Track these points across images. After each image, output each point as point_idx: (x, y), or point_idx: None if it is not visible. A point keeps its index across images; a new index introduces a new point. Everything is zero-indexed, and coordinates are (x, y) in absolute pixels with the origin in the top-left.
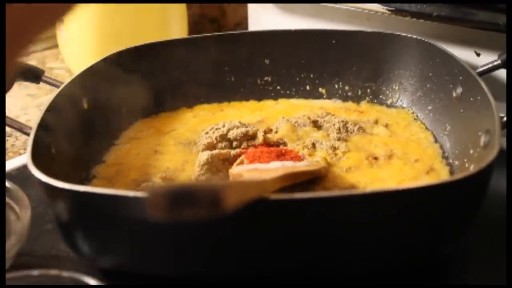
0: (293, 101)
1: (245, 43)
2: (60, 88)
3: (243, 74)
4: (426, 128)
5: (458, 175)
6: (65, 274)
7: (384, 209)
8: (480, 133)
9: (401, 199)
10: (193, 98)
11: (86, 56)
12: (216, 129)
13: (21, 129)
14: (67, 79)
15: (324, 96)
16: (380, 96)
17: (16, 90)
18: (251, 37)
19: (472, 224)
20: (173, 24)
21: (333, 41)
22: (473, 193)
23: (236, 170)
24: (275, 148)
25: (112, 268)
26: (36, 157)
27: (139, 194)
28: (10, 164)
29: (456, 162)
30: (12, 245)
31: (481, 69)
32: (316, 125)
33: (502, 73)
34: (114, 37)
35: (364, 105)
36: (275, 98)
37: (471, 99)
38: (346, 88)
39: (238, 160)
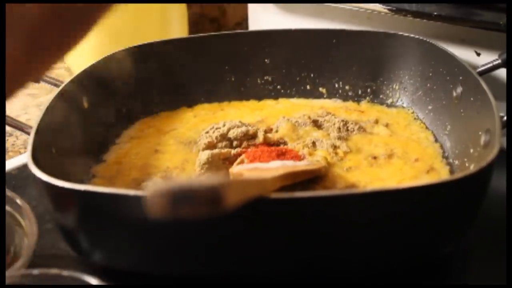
0: (294, 100)
1: (246, 42)
2: (60, 88)
3: (244, 73)
4: (426, 127)
5: (458, 175)
6: (65, 273)
7: (384, 208)
8: (480, 133)
9: (401, 198)
10: (194, 97)
11: (86, 55)
12: (217, 128)
13: (22, 128)
14: (67, 79)
15: (325, 96)
16: (381, 96)
17: None
18: (251, 36)
19: (472, 224)
20: (173, 23)
21: (334, 41)
22: (473, 192)
23: (236, 170)
24: (276, 148)
25: (113, 267)
26: (37, 156)
27: (139, 193)
28: (11, 164)
29: (456, 162)
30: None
31: (481, 69)
32: (317, 124)
33: (502, 73)
34: (114, 37)
35: (364, 104)
36: (276, 97)
37: (471, 98)
38: (347, 87)
39: (239, 160)
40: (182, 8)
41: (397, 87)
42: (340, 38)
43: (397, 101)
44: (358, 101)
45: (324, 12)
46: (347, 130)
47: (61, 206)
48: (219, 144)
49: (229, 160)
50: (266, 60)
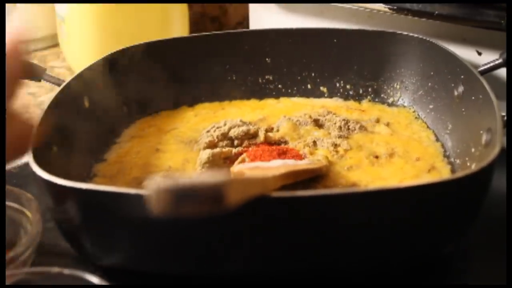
0: (294, 99)
1: (246, 41)
2: (61, 87)
3: (244, 72)
4: (428, 126)
5: (460, 174)
6: (67, 272)
7: (385, 207)
8: (481, 132)
9: (402, 197)
10: (194, 96)
11: (87, 54)
12: (217, 127)
13: None
14: (68, 78)
15: (326, 95)
16: (382, 95)
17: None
18: (252, 35)
19: (473, 223)
20: (174, 23)
21: (335, 40)
22: (475, 191)
23: (237, 169)
24: (277, 147)
25: (113, 266)
26: (38, 155)
27: (140, 191)
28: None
29: (458, 161)
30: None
31: (482, 68)
32: (317, 123)
33: (503, 72)
34: (115, 36)
35: (365, 103)
36: (276, 96)
37: (473, 98)
38: (348, 86)
39: (240, 159)
40: (183, 7)
41: (398, 86)
42: (341, 37)
43: (398, 100)
44: (359, 100)
45: (325, 12)
46: (348, 129)
47: (62, 205)
48: (220, 143)
49: (230, 159)
50: (267, 59)
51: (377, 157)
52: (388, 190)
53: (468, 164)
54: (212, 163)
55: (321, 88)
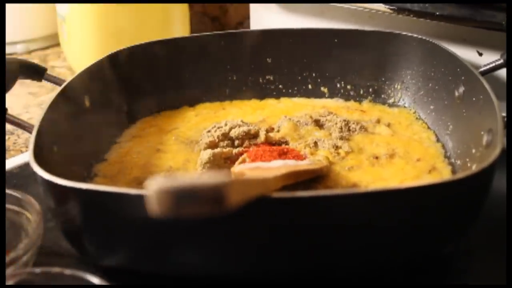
0: (295, 100)
1: (247, 41)
2: (62, 86)
3: (245, 73)
4: (428, 127)
5: (460, 174)
6: (67, 272)
7: (386, 208)
8: (482, 133)
9: (403, 198)
10: (195, 96)
11: (88, 54)
12: (218, 127)
13: (23, 127)
14: (69, 77)
15: (326, 95)
16: (382, 96)
17: (18, 88)
18: (253, 35)
19: (474, 224)
20: (175, 23)
21: (335, 40)
22: (475, 192)
23: (238, 169)
24: (277, 147)
25: (114, 267)
26: (38, 155)
27: (141, 192)
28: (12, 162)
29: (458, 162)
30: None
31: (483, 69)
32: (318, 124)
33: (504, 73)
34: (116, 36)
35: (366, 104)
36: (277, 97)
37: (474, 98)
38: (348, 87)
39: (240, 159)
40: (184, 7)
41: (399, 87)
42: (342, 38)
43: (399, 100)
44: (360, 101)
45: (326, 12)
46: (349, 129)
47: (62, 205)
48: (221, 144)
49: (231, 160)
50: (267, 59)
51: (377, 157)
52: (389, 191)
53: (469, 165)
54: (213, 163)
55: (322, 88)
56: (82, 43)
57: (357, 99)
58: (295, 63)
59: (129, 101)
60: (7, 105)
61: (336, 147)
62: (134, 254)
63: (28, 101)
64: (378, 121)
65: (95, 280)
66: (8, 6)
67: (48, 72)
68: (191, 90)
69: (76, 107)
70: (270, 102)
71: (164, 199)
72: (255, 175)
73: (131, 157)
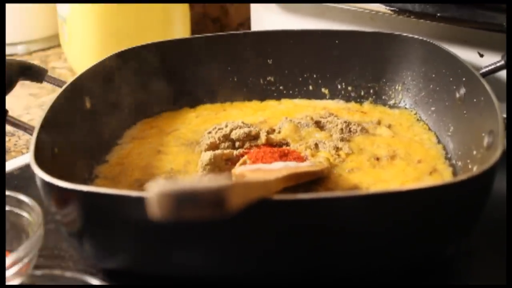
0: (296, 101)
1: (248, 43)
2: (63, 88)
3: (246, 74)
4: (429, 129)
5: (461, 176)
6: (68, 274)
7: (387, 210)
8: (483, 134)
9: (404, 200)
10: (196, 98)
11: (89, 55)
12: (219, 129)
13: (24, 128)
14: (69, 79)
15: (327, 97)
16: (383, 97)
17: (19, 90)
18: (254, 37)
19: (475, 225)
20: (175, 24)
21: (336, 41)
22: (476, 194)
23: (239, 171)
24: (278, 149)
25: (115, 269)
26: (39, 157)
27: (142, 194)
28: (13, 164)
29: (459, 163)
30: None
31: (484, 70)
32: (319, 125)
33: (505, 74)
34: (117, 37)
35: (367, 105)
36: (278, 98)
37: (474, 100)
38: (349, 88)
39: (241, 161)
40: (184, 8)
41: (399, 88)
42: (343, 39)
43: (399, 102)
44: (361, 102)
45: (327, 13)
46: (350, 131)
47: (63, 207)
48: (222, 145)
49: (232, 161)
50: (268, 61)
51: (378, 159)
52: (390, 193)
53: (470, 166)
54: (214, 165)
55: (323, 89)
56: (82, 44)
57: (358, 100)
58: (296, 64)
59: (130, 102)
60: (8, 107)
61: (337, 149)
62: (135, 257)
63: (29, 102)
64: (379, 123)
65: (96, 282)
66: (9, 7)
67: (49, 73)
68: (192, 91)
69: (76, 108)
70: (271, 103)
71: (165, 202)
72: (256, 177)
73: (132, 158)
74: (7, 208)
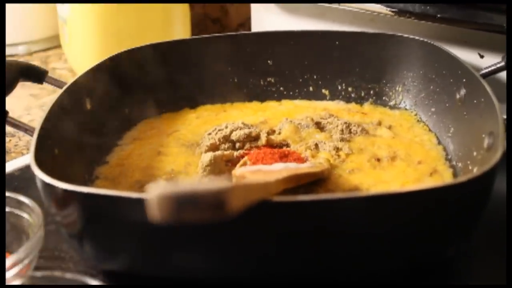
0: (296, 102)
1: (248, 44)
2: (63, 89)
3: (246, 75)
4: (430, 130)
5: (462, 178)
6: (68, 275)
7: (387, 211)
8: (483, 135)
9: (404, 201)
10: (196, 98)
11: (89, 56)
12: (219, 130)
13: (24, 129)
14: (70, 80)
15: (327, 98)
16: (383, 98)
17: (19, 90)
18: (254, 37)
19: (475, 227)
20: (175, 24)
21: (337, 42)
22: (477, 195)
23: (239, 172)
24: (278, 150)
25: (115, 270)
26: (39, 158)
27: (142, 196)
28: (13, 164)
29: (460, 164)
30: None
31: (484, 71)
32: (319, 126)
33: (505, 75)
34: (117, 38)
35: (367, 106)
36: (278, 99)
37: (475, 101)
38: (349, 89)
39: (241, 162)
40: (184, 8)
41: (400, 89)
42: (343, 40)
43: (400, 103)
44: (361, 103)
45: (327, 14)
46: (350, 132)
47: (63, 208)
48: (222, 146)
49: (232, 162)
50: (269, 62)
51: (379, 160)
52: (390, 194)
53: (470, 167)
54: (214, 166)
55: (323, 90)
56: (83, 44)
57: (358, 101)
58: (296, 65)
59: (130, 103)
60: (8, 107)
61: (337, 150)
62: (135, 258)
63: (29, 103)
64: (379, 124)
65: (96, 283)
66: (9, 8)
67: (49, 74)
68: (192, 92)
69: (77, 109)
70: (271, 104)
71: (165, 204)
72: (256, 179)
73: (132, 159)
74: (7, 209)
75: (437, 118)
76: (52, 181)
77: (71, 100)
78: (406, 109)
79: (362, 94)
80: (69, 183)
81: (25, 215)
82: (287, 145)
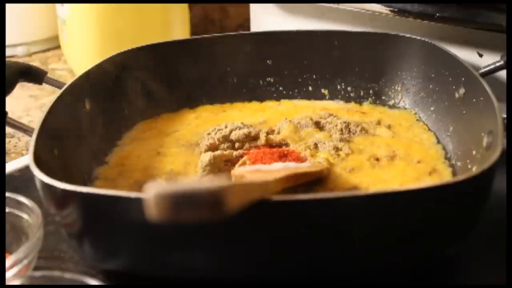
0: (296, 102)
1: (247, 43)
2: (62, 89)
3: (246, 75)
4: (429, 129)
5: (461, 176)
6: (68, 275)
7: (387, 210)
8: (482, 134)
9: (403, 200)
10: (195, 99)
11: (88, 57)
12: (219, 130)
13: (24, 130)
14: (69, 80)
15: (327, 97)
16: (383, 97)
17: (19, 91)
18: (253, 37)
19: (474, 226)
20: (175, 25)
21: (336, 42)
22: (476, 194)
23: (238, 171)
24: (278, 149)
25: (115, 270)
26: (38, 158)
27: (141, 195)
28: (13, 165)
29: (459, 163)
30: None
31: (483, 70)
32: (319, 126)
33: (505, 74)
34: (116, 38)
35: (366, 106)
36: (278, 99)
37: (474, 100)
38: (349, 89)
39: (241, 161)
40: (184, 9)
41: (399, 88)
42: (342, 39)
43: (399, 102)
44: (360, 103)
45: (326, 14)
46: (349, 131)
47: (63, 208)
48: (221, 146)
49: (231, 162)
50: (268, 62)
51: (378, 159)
52: (389, 193)
53: (469, 166)
54: (214, 166)
55: (322, 90)
56: (82, 45)
57: (358, 100)
58: (296, 65)
59: (129, 103)
60: (7, 108)
61: (337, 149)
62: (134, 258)
63: (29, 104)
64: (379, 123)
65: (96, 283)
66: (9, 8)
67: (49, 74)
68: (191, 93)
69: (76, 110)
70: (271, 104)
71: (163, 203)
72: (256, 178)
73: (131, 160)
74: (7, 209)
75: (436, 117)
76: (52, 181)
77: (70, 101)
78: (405, 108)
79: (362, 94)
80: (68, 184)
81: (24, 216)
82: (287, 145)
